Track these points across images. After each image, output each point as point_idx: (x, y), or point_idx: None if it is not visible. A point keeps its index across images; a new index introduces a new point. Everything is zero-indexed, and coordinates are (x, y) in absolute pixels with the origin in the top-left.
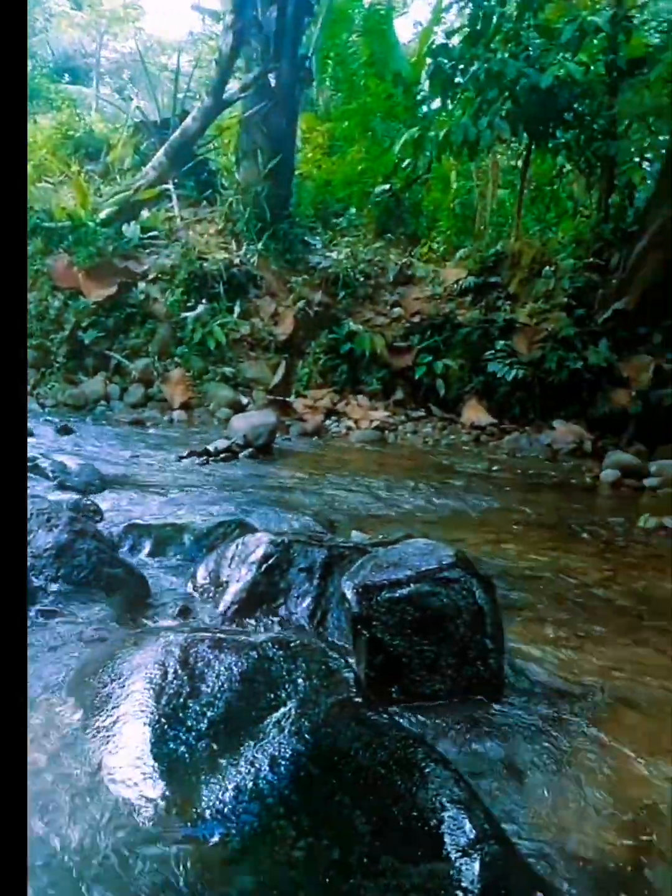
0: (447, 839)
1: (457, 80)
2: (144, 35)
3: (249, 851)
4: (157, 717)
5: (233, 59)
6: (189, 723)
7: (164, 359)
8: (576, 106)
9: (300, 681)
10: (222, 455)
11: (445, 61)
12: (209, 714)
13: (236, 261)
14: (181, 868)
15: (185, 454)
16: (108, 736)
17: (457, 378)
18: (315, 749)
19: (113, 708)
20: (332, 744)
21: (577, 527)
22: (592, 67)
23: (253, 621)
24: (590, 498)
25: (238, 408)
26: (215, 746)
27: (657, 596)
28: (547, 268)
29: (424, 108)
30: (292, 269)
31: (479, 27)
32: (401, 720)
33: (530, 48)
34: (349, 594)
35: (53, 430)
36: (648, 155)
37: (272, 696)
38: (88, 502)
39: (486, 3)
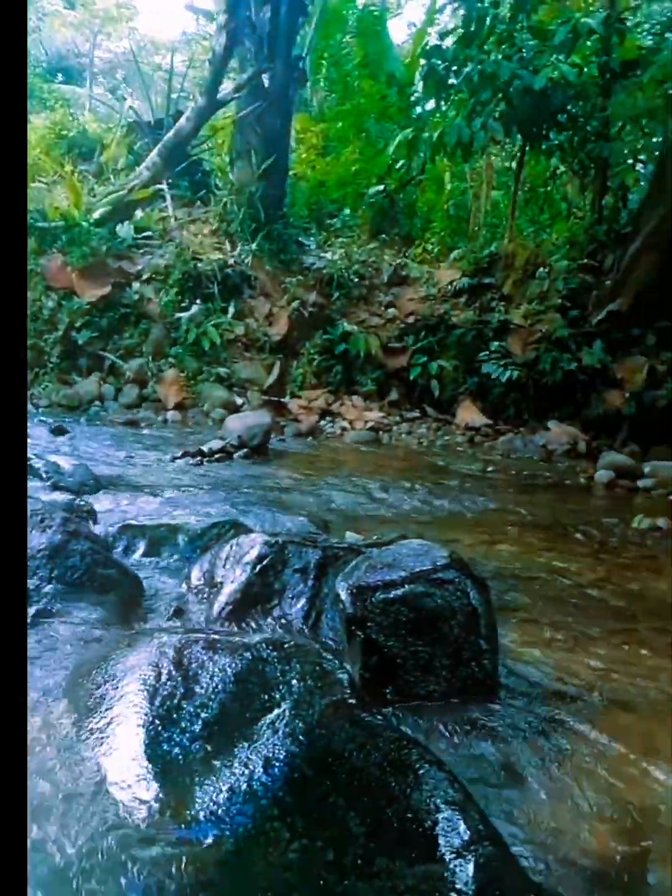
0: (441, 840)
1: (451, 81)
2: (138, 35)
3: (243, 853)
4: (150, 719)
5: (226, 59)
6: (183, 724)
7: (158, 359)
8: (569, 107)
9: (294, 682)
10: (217, 456)
11: (439, 62)
12: (203, 715)
13: (230, 261)
14: (175, 870)
15: (179, 455)
16: (102, 738)
17: (451, 379)
18: (309, 750)
19: (107, 709)
20: (326, 745)
21: (572, 528)
22: (586, 69)
23: (247, 622)
24: (584, 499)
25: (232, 408)
26: (209, 748)
27: (651, 596)
28: (541, 269)
29: (418, 110)
30: (287, 269)
31: (472, 28)
32: (395, 721)
33: (524, 50)
34: (343, 595)
35: (47, 430)
36: (642, 157)
37: (266, 697)
38: (82, 503)
39: (479, 4)
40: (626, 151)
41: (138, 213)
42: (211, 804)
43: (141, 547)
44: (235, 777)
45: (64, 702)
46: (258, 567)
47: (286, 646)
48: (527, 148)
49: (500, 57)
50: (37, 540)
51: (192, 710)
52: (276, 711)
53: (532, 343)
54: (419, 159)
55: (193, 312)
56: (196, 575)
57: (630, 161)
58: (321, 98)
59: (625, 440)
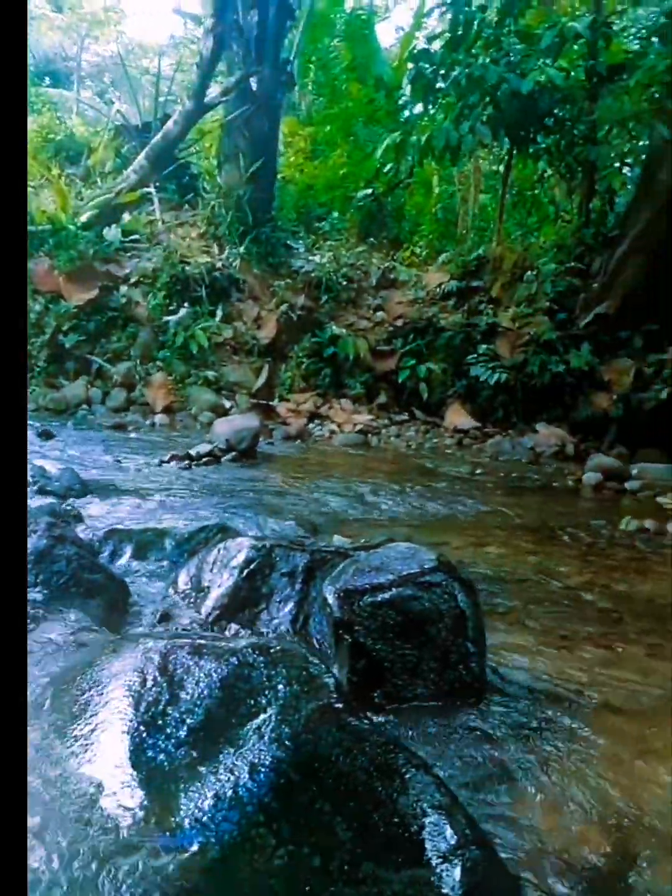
0: (428, 845)
1: (438, 85)
2: (126, 38)
3: (229, 860)
4: (135, 725)
5: (214, 62)
6: (168, 730)
7: (146, 363)
8: (556, 111)
9: (280, 687)
10: (205, 459)
11: (427, 66)
12: (188, 721)
13: (218, 264)
14: (159, 878)
15: (167, 458)
16: (86, 744)
17: (440, 382)
18: (295, 755)
19: (91, 716)
20: (312, 750)
21: (560, 530)
22: (572, 73)
23: (235, 626)
24: (572, 501)
25: (221, 412)
26: (194, 754)
27: (638, 598)
28: (529, 272)
29: (406, 113)
30: (275, 272)
31: (459, 32)
32: (383, 725)
33: (511, 54)
34: (331, 599)
35: (34, 434)
36: (628, 160)
37: (252, 702)
38: (68, 507)
39: (466, 8)
40: (612, 155)
41: (126, 217)
42: (196, 811)
43: (128, 551)
44: (221, 783)
45: (48, 708)
46: (245, 571)
47: (272, 650)
48: (514, 151)
49: (487, 61)
50: None
51: (177, 715)
52: (262, 716)
53: (520, 346)
54: (407, 163)
55: (181, 316)
56: (183, 579)
57: (617, 164)
58: (309, 102)
59: (612, 442)
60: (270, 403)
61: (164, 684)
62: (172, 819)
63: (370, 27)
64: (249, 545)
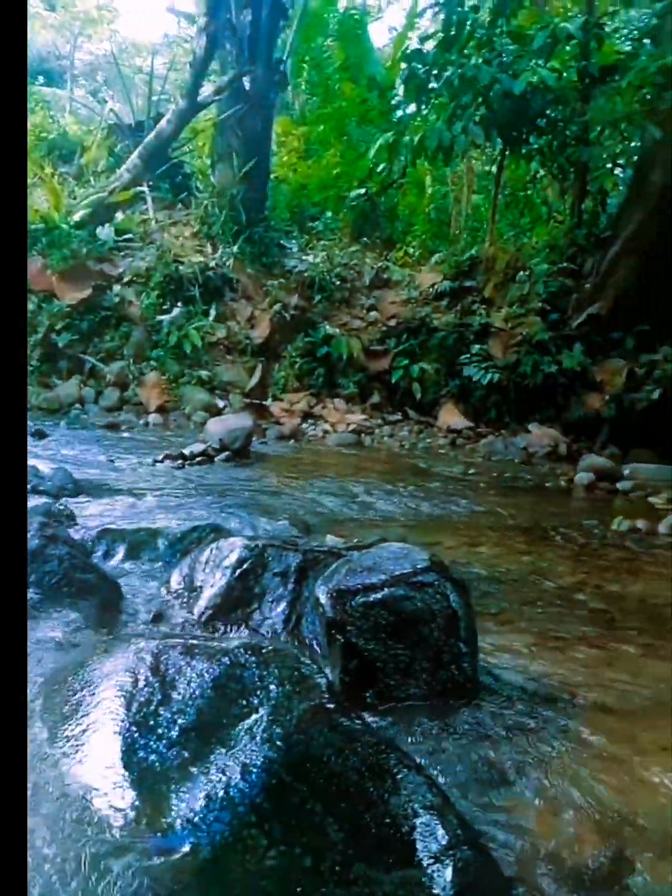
0: (419, 845)
1: (431, 85)
2: (119, 37)
3: (220, 861)
4: (127, 725)
5: (207, 61)
6: (160, 731)
7: (139, 362)
8: (549, 112)
9: (272, 687)
10: (198, 459)
11: (420, 66)
12: (180, 721)
13: (212, 264)
14: (151, 879)
15: (160, 458)
16: (78, 745)
17: (433, 382)
18: (287, 756)
19: (83, 716)
20: (304, 750)
21: (552, 530)
22: (565, 74)
23: (227, 627)
24: (564, 501)
25: (214, 411)
26: (186, 754)
27: (630, 598)
28: (521, 273)
29: (399, 113)
30: (268, 272)
31: (452, 33)
32: (375, 725)
33: (503, 54)
34: (323, 599)
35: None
36: (620, 161)
37: (244, 702)
38: (61, 507)
39: (459, 9)
40: (605, 156)
41: (119, 216)
42: (187, 811)
43: (120, 551)
44: (212, 784)
45: (40, 708)
46: (238, 571)
47: (264, 650)
48: (507, 152)
49: (479, 61)
50: None
51: (169, 716)
52: (253, 717)
53: (513, 346)
54: (400, 163)
55: (175, 315)
56: (176, 579)
57: (609, 165)
58: (302, 101)
59: (605, 443)
60: (264, 403)
61: (156, 684)
62: (164, 820)
63: (363, 27)
64: (242, 545)
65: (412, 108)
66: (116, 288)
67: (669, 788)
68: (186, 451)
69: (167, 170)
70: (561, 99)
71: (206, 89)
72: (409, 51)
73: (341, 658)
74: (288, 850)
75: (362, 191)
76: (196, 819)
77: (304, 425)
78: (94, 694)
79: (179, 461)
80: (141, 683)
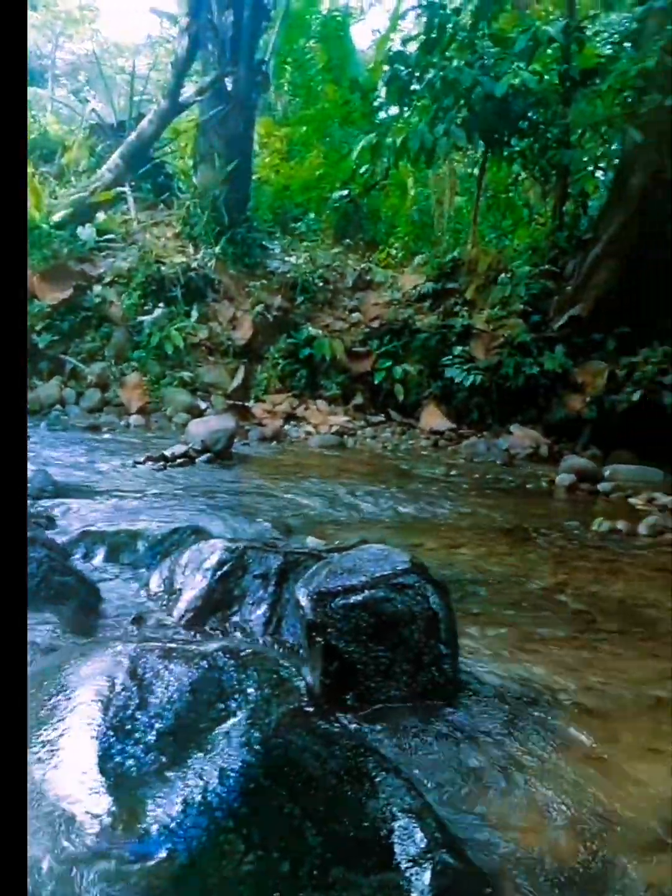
0: (398, 849)
1: (413, 87)
2: (101, 37)
3: (197, 867)
4: (103, 730)
5: (188, 62)
6: (137, 735)
7: (120, 363)
8: (530, 114)
9: (251, 690)
10: (179, 460)
11: (402, 68)
12: (157, 726)
13: (194, 265)
14: (126, 885)
15: (141, 460)
16: (53, 750)
17: (415, 383)
18: (265, 760)
19: (58, 721)
20: (282, 754)
21: (534, 531)
22: (546, 77)
23: (207, 629)
24: (546, 502)
25: (196, 413)
26: (163, 759)
27: (611, 599)
28: (503, 275)
29: (382, 115)
30: (251, 273)
31: (434, 35)
32: (355, 727)
33: (485, 57)
34: (304, 601)
35: None
36: (601, 164)
37: (222, 706)
38: (40, 509)
39: (441, 11)
40: (586, 159)
41: (100, 216)
42: (164, 817)
43: (100, 553)
44: (189, 788)
45: None
46: (218, 573)
47: (243, 654)
48: (489, 154)
49: (461, 63)
50: None
51: (146, 720)
52: (231, 720)
53: (495, 348)
54: (383, 165)
55: (156, 316)
56: (156, 582)
57: (590, 168)
58: (285, 102)
59: (586, 444)
60: (246, 404)
61: (134, 688)
62: (140, 825)
63: (346, 29)
64: (222, 547)
65: (394, 109)
66: (97, 288)
67: (651, 788)
68: (168, 453)
69: (149, 170)
70: (542, 102)
71: (188, 90)
72: (391, 53)
73: (321, 660)
74: (265, 854)
75: (345, 192)
76: (173, 824)
77: (287, 427)
78: (70, 698)
79: (161, 463)
80: (118, 687)
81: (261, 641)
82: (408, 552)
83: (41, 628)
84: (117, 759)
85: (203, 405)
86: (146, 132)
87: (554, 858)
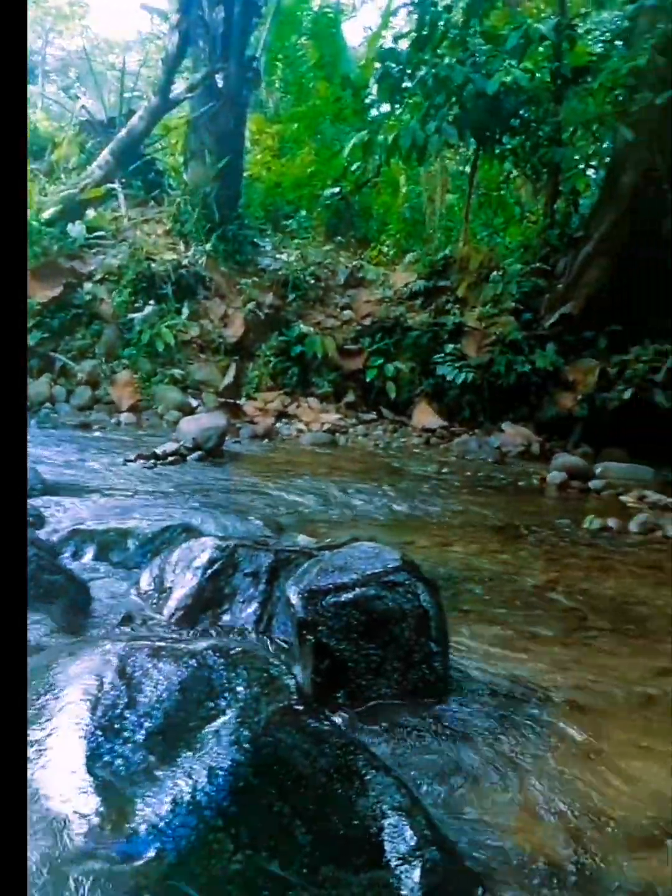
0: (388, 847)
1: (405, 84)
2: (91, 33)
3: (186, 866)
4: (92, 730)
5: (179, 58)
6: (125, 734)
7: (111, 360)
8: (522, 112)
9: (240, 689)
10: (170, 458)
11: (393, 66)
12: (146, 725)
13: (185, 262)
14: (115, 885)
15: (132, 457)
16: (41, 749)
17: (407, 381)
18: (254, 758)
19: (47, 720)
20: (271, 752)
21: (525, 528)
22: (538, 75)
23: (197, 627)
24: (537, 500)
25: (187, 410)
26: (152, 758)
27: (602, 596)
28: (495, 272)
29: (373, 112)
30: (242, 270)
31: (425, 32)
32: (345, 725)
33: (476, 54)
34: (294, 599)
35: None
36: (593, 162)
37: (211, 704)
38: (29, 508)
39: (432, 8)
40: (577, 157)
41: (90, 213)
42: (153, 816)
43: (90, 552)
44: (178, 788)
45: None
46: (209, 571)
47: (232, 652)
48: (480, 152)
49: (453, 61)
50: None
51: (134, 719)
52: (221, 719)
53: (486, 345)
54: (374, 162)
55: (147, 313)
56: (146, 580)
57: (581, 166)
58: (276, 99)
59: (577, 442)
60: (237, 402)
61: (123, 687)
62: (128, 825)
63: (337, 26)
64: (213, 545)
65: (386, 107)
66: (88, 286)
67: (643, 786)
68: (159, 451)
69: (140, 167)
70: (534, 99)
71: (179, 86)
72: (383, 50)
73: (312, 658)
74: (255, 853)
75: (336, 189)
76: (161, 824)
77: (279, 424)
78: (58, 697)
79: (151, 461)
80: (107, 686)
81: (252, 640)
82: (399, 550)
83: (30, 627)
84: (106, 758)
85: (194, 403)
86: (137, 129)
87: (545, 856)
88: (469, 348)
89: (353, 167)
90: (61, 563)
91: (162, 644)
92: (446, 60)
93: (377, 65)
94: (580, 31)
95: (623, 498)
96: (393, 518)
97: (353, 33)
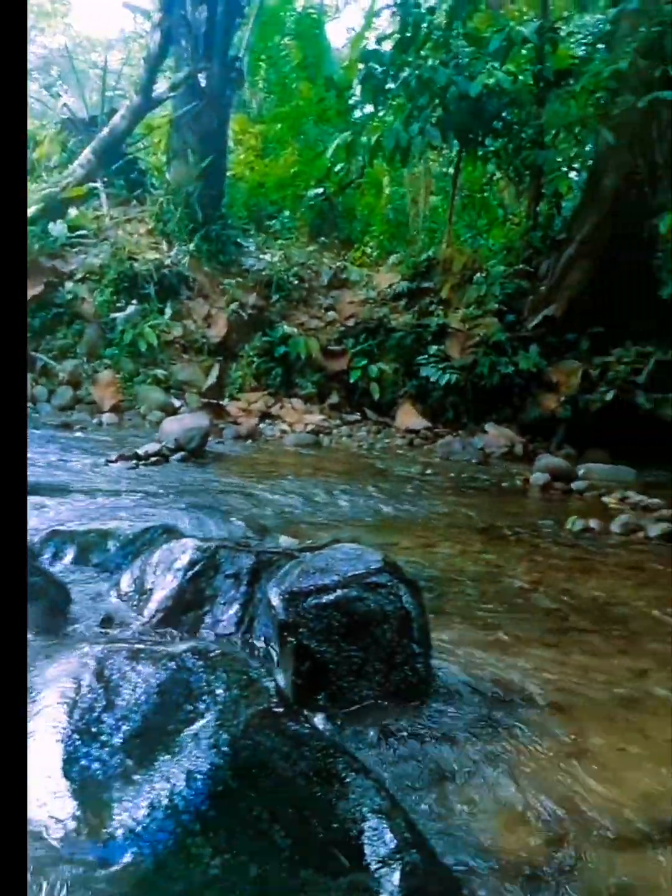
0: (367, 850)
1: (388, 85)
2: (73, 31)
3: (163, 871)
4: (69, 733)
5: (161, 57)
6: (103, 738)
7: (93, 360)
8: (504, 114)
9: (219, 691)
10: (153, 459)
11: (377, 67)
12: (124, 728)
13: (167, 261)
14: (91, 891)
15: (113, 458)
16: None
17: (391, 382)
18: (233, 762)
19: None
20: (250, 756)
21: (508, 529)
22: (520, 77)
23: (178, 630)
24: (520, 501)
25: (170, 411)
26: (130, 762)
27: (584, 597)
28: (478, 274)
29: (357, 113)
30: (225, 270)
31: (409, 34)
32: (326, 727)
33: (459, 56)
34: (276, 600)
35: None
36: (575, 165)
37: (190, 707)
38: None
39: (415, 10)
40: (559, 159)
41: (72, 212)
42: (130, 820)
43: (69, 553)
44: (156, 791)
45: None
46: (189, 573)
47: (212, 654)
48: (463, 154)
49: (436, 63)
50: None
51: (112, 722)
52: (199, 722)
53: (470, 347)
54: (358, 163)
55: (129, 313)
56: (126, 582)
57: (564, 169)
58: (259, 99)
59: (560, 443)
60: (220, 403)
61: (100, 690)
62: (105, 829)
63: (321, 26)
64: (194, 546)
65: (369, 108)
66: (69, 285)
67: (623, 786)
68: (141, 451)
69: (122, 166)
70: (516, 102)
71: (161, 86)
72: (366, 51)
73: (293, 660)
74: (233, 858)
75: (320, 190)
76: (138, 828)
77: (262, 425)
78: (35, 701)
79: (133, 461)
80: (84, 689)
81: (233, 642)
82: (380, 551)
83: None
84: (83, 762)
85: (177, 403)
86: (118, 128)
87: (526, 856)
88: (452, 350)
89: (337, 168)
90: (41, 565)
91: (141, 646)
92: (429, 62)
93: (360, 66)
94: (562, 34)
95: (605, 499)
96: (377, 519)
97: (337, 34)
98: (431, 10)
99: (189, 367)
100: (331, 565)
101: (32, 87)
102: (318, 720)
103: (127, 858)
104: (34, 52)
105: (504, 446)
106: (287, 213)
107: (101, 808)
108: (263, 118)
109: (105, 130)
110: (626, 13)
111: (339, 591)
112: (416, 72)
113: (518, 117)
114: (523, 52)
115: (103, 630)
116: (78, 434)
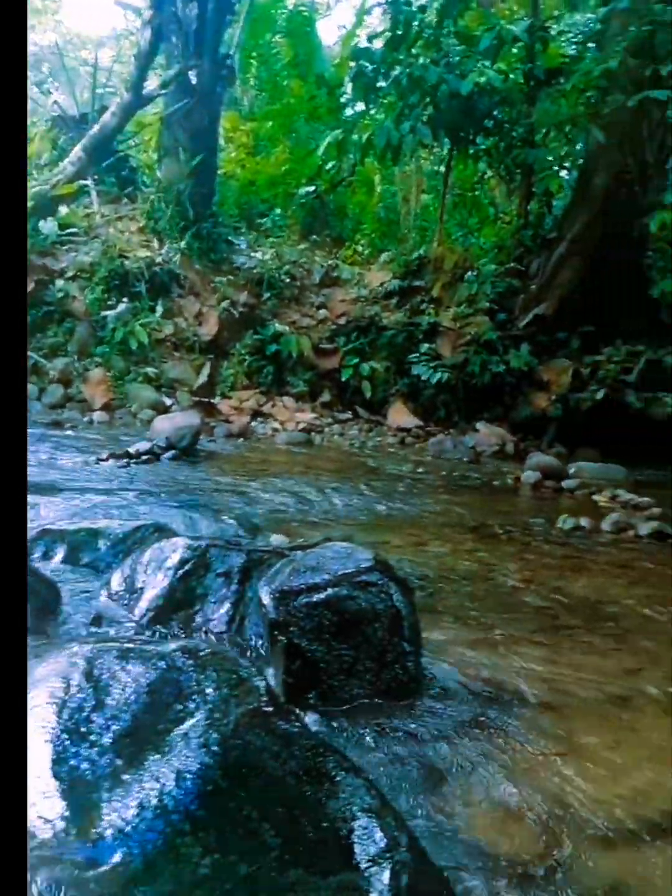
0: (357, 849)
1: (379, 83)
2: (64, 28)
3: (152, 871)
4: (57, 733)
5: (151, 55)
6: (92, 738)
7: (83, 358)
8: (495, 113)
9: (209, 691)
10: (144, 457)
11: (368, 65)
12: (113, 728)
13: (158, 259)
14: (80, 891)
15: (104, 456)
16: None
17: (382, 380)
18: (223, 761)
19: None
20: (240, 755)
21: (499, 528)
22: (511, 76)
23: (168, 629)
24: (511, 499)
25: (161, 409)
26: (119, 761)
27: (574, 595)
28: (469, 273)
29: (348, 111)
30: (216, 268)
31: (400, 32)
32: (316, 726)
33: (450, 54)
34: (266, 599)
35: None
36: (566, 163)
37: (180, 707)
38: None
39: (406, 8)
40: (550, 158)
41: (62, 209)
42: (119, 820)
43: (60, 552)
44: (145, 791)
45: None
46: (180, 572)
47: (202, 653)
48: (454, 152)
49: (427, 61)
50: None
51: (101, 722)
52: (189, 722)
53: (461, 345)
54: (349, 161)
55: (120, 311)
56: (117, 581)
57: (555, 167)
58: (251, 97)
59: (551, 442)
60: (212, 401)
61: (90, 690)
62: (94, 830)
63: (312, 24)
64: (185, 545)
65: (361, 106)
66: (59, 283)
67: (614, 784)
68: (131, 450)
69: (113, 164)
70: (507, 100)
71: (152, 83)
72: (357, 49)
73: (284, 659)
74: (223, 857)
75: (311, 188)
76: (127, 828)
77: (254, 424)
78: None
79: (124, 460)
80: (73, 689)
81: (224, 641)
82: (371, 550)
83: None
84: (72, 762)
85: (168, 401)
86: (109, 125)
87: (516, 855)
88: (444, 348)
89: (328, 166)
90: (31, 564)
91: (130, 646)
92: (420, 60)
93: (351, 64)
94: (553, 32)
95: (596, 497)
96: (368, 517)
97: (328, 32)
98: (423, 9)
99: (180, 366)
100: (322, 564)
101: None
102: (309, 719)
103: (116, 859)
104: None
105: (495, 445)
106: (278, 210)
107: (90, 808)
108: (254, 116)
109: (96, 128)
110: (616, 12)
111: (329, 590)
112: (408, 70)
113: (509, 116)
114: (514, 50)
115: (93, 629)
116: (68, 432)
